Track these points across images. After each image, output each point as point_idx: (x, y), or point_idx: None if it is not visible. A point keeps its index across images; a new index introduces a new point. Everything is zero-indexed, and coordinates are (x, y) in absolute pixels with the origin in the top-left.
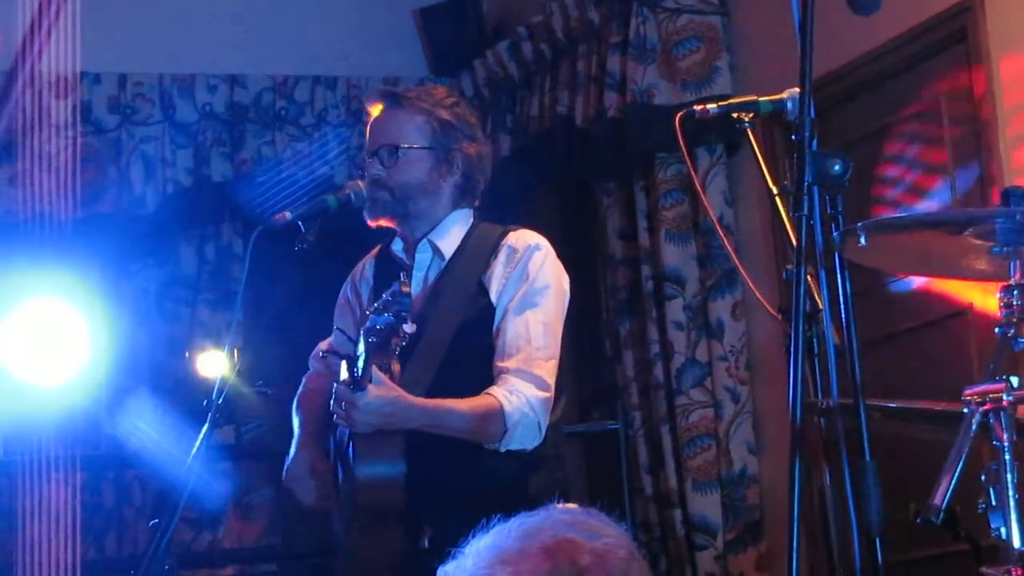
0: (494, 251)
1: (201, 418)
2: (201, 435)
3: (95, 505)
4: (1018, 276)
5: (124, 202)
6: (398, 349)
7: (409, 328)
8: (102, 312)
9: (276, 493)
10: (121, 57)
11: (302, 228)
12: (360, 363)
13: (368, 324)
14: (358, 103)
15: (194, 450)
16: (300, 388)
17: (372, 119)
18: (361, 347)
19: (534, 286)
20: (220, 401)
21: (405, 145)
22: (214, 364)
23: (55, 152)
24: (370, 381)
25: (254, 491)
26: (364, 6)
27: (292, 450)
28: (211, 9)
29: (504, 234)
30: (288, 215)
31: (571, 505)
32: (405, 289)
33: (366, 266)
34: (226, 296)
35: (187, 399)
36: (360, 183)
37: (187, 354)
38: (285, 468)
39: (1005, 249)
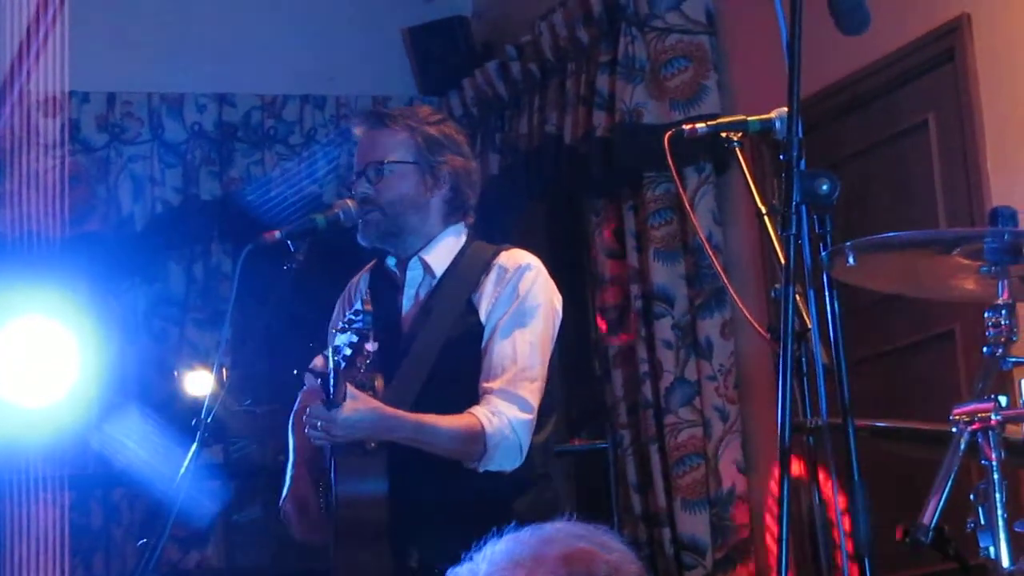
0: (485, 270)
1: (189, 437)
2: (190, 454)
3: (83, 525)
4: (1006, 296)
5: (112, 221)
6: (363, 367)
7: (371, 347)
8: (90, 331)
9: (264, 512)
10: (109, 76)
11: (291, 247)
12: (331, 381)
13: (334, 343)
14: (347, 122)
15: (183, 469)
16: (295, 405)
17: (359, 141)
18: (330, 365)
19: (523, 306)
20: (208, 420)
21: (390, 160)
22: (202, 383)
23: (43, 171)
24: (344, 398)
25: (242, 510)
26: (352, 25)
27: (287, 479)
28: (199, 29)
29: (496, 253)
30: (277, 234)
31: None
32: (367, 307)
33: (361, 279)
34: (214, 315)
35: (175, 418)
36: (349, 202)
37: (175, 373)
38: (282, 498)
39: (993, 269)
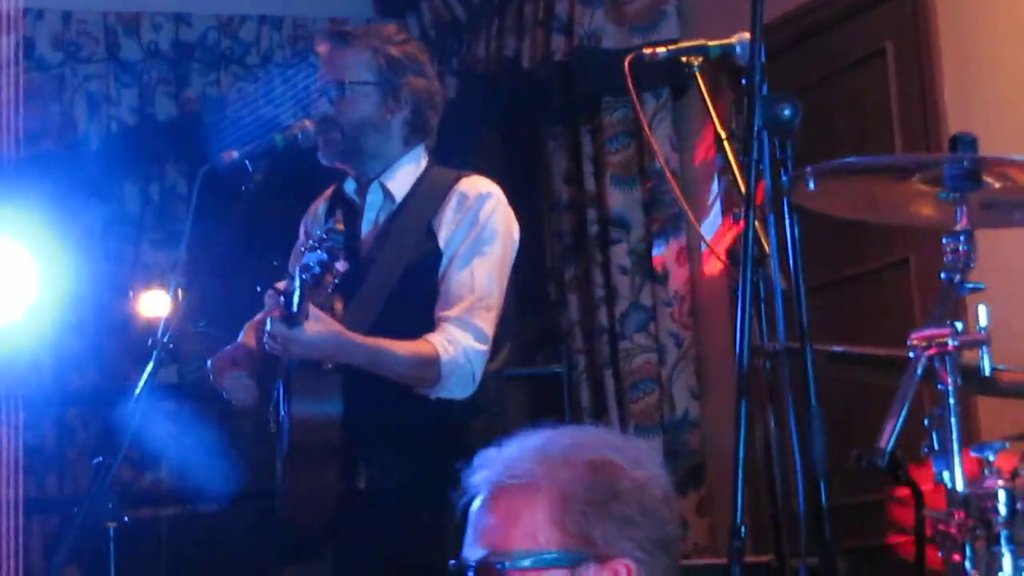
0: (445, 196)
1: (144, 358)
2: (145, 374)
3: (36, 445)
4: (964, 222)
5: (67, 140)
6: (331, 287)
7: (342, 266)
8: (47, 250)
9: (217, 433)
10: None
11: (249, 167)
12: (295, 299)
13: (303, 260)
14: (304, 44)
15: (138, 389)
16: (252, 320)
17: (321, 59)
18: (296, 283)
19: (483, 234)
20: (164, 341)
21: (351, 81)
22: (158, 304)
23: None
24: (306, 317)
25: (196, 431)
26: None
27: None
28: None
29: (457, 179)
30: (235, 154)
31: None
32: (339, 227)
33: (319, 207)
34: (170, 236)
35: (130, 338)
36: (307, 122)
37: (131, 293)
38: (211, 360)
39: (952, 195)
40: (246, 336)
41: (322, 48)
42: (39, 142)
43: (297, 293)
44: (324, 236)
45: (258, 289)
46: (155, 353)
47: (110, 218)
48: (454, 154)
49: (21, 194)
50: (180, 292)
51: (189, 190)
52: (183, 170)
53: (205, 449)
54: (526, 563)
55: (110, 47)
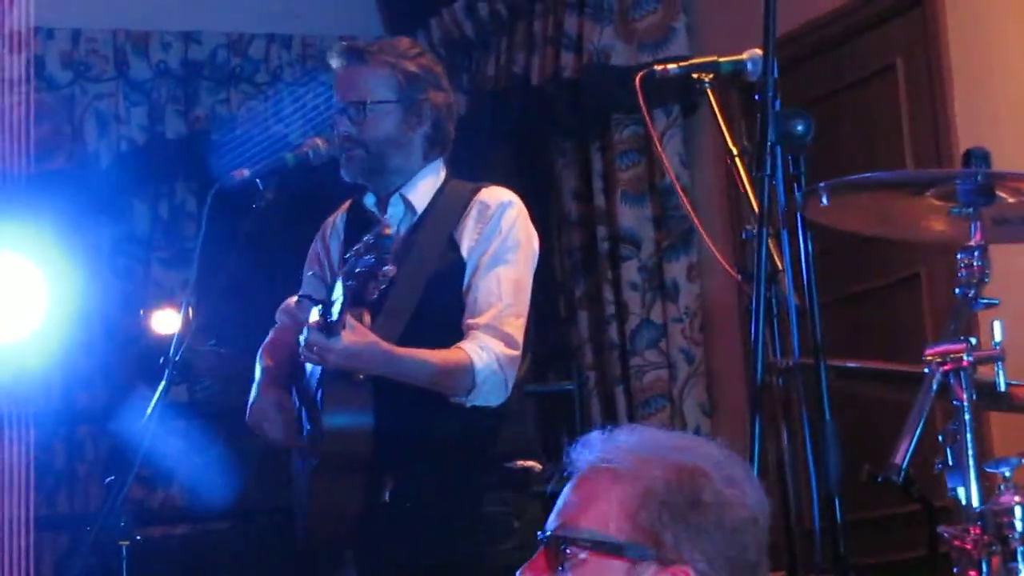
0: (466, 207)
1: (155, 376)
2: (157, 393)
3: (47, 463)
4: (978, 237)
5: (77, 159)
6: (376, 293)
7: (390, 271)
8: (57, 269)
9: (229, 451)
10: (75, 13)
11: (260, 186)
12: (336, 308)
13: (347, 267)
14: (313, 61)
15: (149, 408)
16: (266, 339)
17: (337, 76)
18: (338, 291)
19: (506, 243)
20: (175, 359)
21: (372, 100)
22: (168, 322)
23: (8, 108)
24: (344, 326)
25: (206, 450)
26: None
27: (254, 392)
28: None
29: (476, 190)
30: (246, 172)
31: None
32: (387, 232)
33: (337, 219)
34: (180, 254)
35: (141, 357)
36: (318, 140)
37: (141, 312)
38: (248, 407)
39: (965, 210)
40: (266, 364)
41: (337, 64)
42: (49, 161)
43: (339, 302)
44: (372, 241)
45: (298, 297)
46: (166, 371)
47: (119, 236)
48: (464, 171)
49: (31, 212)
50: (191, 310)
51: (198, 208)
52: (192, 188)
53: (216, 467)
54: (589, 544)
55: (119, 65)
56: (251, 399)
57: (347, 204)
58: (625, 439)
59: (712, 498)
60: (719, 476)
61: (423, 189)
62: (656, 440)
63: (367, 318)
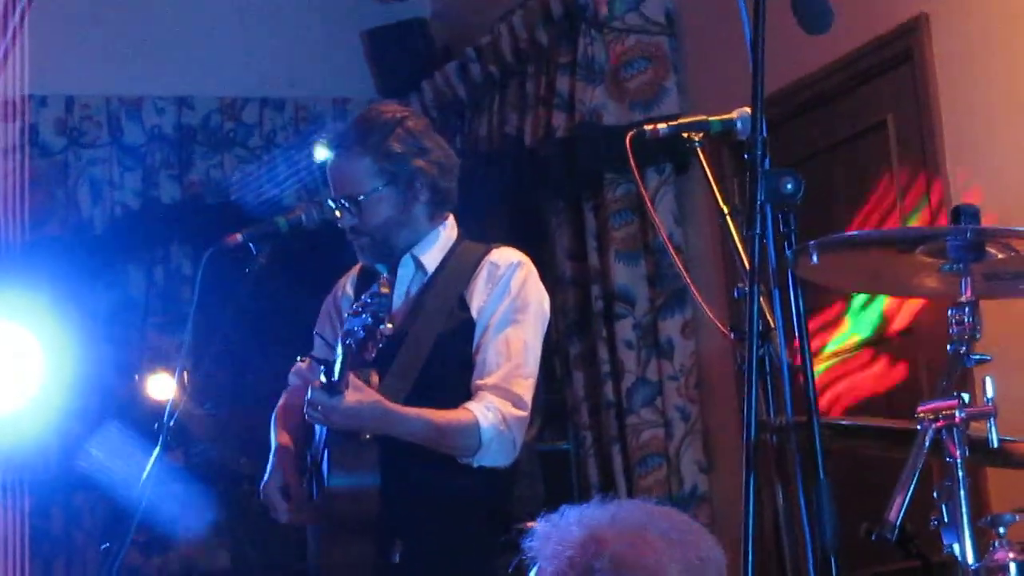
0: (476, 267)
1: (151, 441)
2: (152, 458)
3: (44, 530)
4: (968, 293)
5: (72, 225)
6: (374, 352)
7: (387, 330)
8: (53, 336)
9: (225, 515)
10: (68, 79)
11: (253, 250)
12: (337, 367)
13: (345, 327)
14: (306, 125)
15: (145, 473)
16: (279, 402)
17: (327, 169)
18: (339, 350)
19: (516, 303)
20: (170, 423)
21: (364, 193)
22: (164, 386)
23: (2, 175)
24: (347, 386)
25: (203, 514)
26: (311, 28)
27: (269, 466)
28: (158, 31)
29: (487, 251)
30: (239, 237)
31: None
32: (384, 290)
33: (348, 280)
34: (175, 319)
35: (137, 422)
36: (311, 204)
37: (136, 377)
38: (262, 484)
39: (956, 267)
40: (279, 430)
41: (322, 159)
42: (44, 227)
43: (339, 361)
44: (368, 300)
45: (299, 358)
46: (161, 436)
47: (115, 302)
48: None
49: (26, 279)
50: (186, 374)
51: (193, 272)
52: (187, 252)
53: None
54: None
55: (113, 131)
56: (266, 474)
57: (356, 268)
58: (599, 510)
59: (606, 564)
60: (620, 540)
61: (434, 249)
62: (636, 512)
63: (375, 378)
